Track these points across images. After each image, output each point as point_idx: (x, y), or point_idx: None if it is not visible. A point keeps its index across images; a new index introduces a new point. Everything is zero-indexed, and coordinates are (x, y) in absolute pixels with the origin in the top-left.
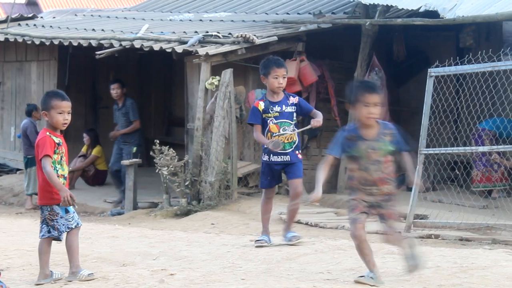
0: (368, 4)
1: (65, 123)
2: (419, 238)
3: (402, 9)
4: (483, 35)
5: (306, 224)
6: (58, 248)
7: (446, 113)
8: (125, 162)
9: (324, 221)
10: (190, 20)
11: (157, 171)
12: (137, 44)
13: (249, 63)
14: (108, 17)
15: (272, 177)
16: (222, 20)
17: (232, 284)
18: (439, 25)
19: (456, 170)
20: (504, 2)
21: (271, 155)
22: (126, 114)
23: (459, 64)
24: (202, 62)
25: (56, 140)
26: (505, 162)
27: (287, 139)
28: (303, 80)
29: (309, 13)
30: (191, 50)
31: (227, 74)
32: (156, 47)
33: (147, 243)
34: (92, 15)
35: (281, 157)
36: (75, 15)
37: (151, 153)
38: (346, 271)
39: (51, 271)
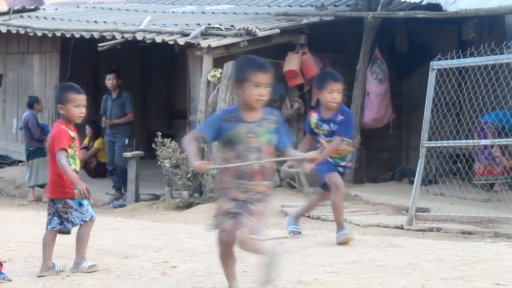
0: None
1: (81, 116)
2: (421, 231)
3: (405, 1)
4: (486, 28)
5: (308, 217)
6: (60, 241)
7: (448, 106)
8: (127, 154)
9: (326, 214)
10: (193, 12)
11: (159, 163)
12: (139, 36)
13: (251, 55)
14: (110, 9)
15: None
16: (224, 13)
17: None
18: (442, 18)
19: (458, 163)
20: None
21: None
22: (122, 105)
23: (462, 57)
24: (204, 54)
25: (71, 134)
26: (504, 161)
27: (339, 154)
28: (305, 72)
29: (312, 5)
30: (193, 43)
31: (229, 66)
32: (158, 39)
33: (149, 236)
34: (94, 7)
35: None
36: (78, 7)
37: (153, 145)
38: (348, 264)
39: (53, 263)
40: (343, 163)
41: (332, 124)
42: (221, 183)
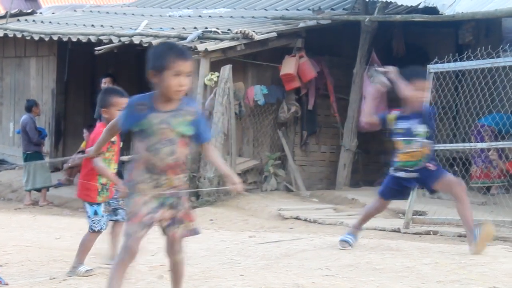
0: (367, 0)
1: None
2: (418, 234)
3: (402, 5)
4: (483, 31)
5: (305, 220)
6: (57, 245)
7: (445, 110)
8: (123, 158)
9: (323, 217)
10: (189, 16)
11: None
12: (136, 40)
13: (248, 59)
14: (107, 13)
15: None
16: (221, 16)
17: (231, 280)
18: (439, 22)
19: (455, 167)
20: None
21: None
22: None
23: (458, 60)
24: (201, 58)
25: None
26: (500, 164)
27: (411, 157)
28: (302, 76)
29: (309, 9)
30: (190, 46)
31: (226, 70)
32: (155, 43)
33: (145, 239)
34: (91, 11)
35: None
36: (74, 10)
37: None
38: (345, 267)
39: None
40: (415, 167)
41: (411, 122)
42: (131, 176)
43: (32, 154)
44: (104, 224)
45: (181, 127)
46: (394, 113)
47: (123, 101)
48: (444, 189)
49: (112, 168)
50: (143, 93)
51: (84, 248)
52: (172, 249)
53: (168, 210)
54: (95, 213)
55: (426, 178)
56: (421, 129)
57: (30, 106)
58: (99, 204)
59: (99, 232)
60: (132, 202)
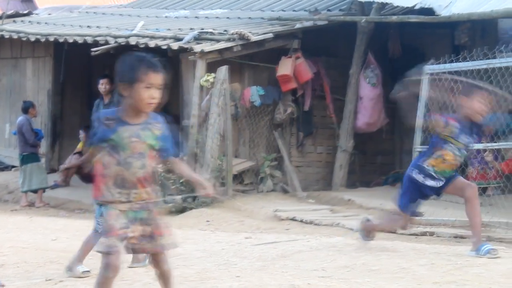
0: (363, 1)
1: None
2: (414, 235)
3: (398, 6)
4: (478, 32)
5: (301, 221)
6: (53, 246)
7: (441, 111)
8: None
9: (319, 218)
10: (186, 17)
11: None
12: (132, 41)
13: (245, 60)
14: (104, 14)
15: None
16: (217, 17)
17: (227, 281)
18: (435, 23)
19: None
20: (499, 0)
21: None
22: None
23: (454, 61)
24: (197, 59)
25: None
26: (496, 165)
27: (452, 167)
28: (298, 77)
29: (305, 10)
30: (187, 47)
31: (223, 71)
32: (152, 44)
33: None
34: (87, 12)
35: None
36: (71, 11)
37: None
38: (340, 269)
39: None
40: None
41: (475, 136)
42: (99, 191)
43: (29, 156)
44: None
45: (150, 140)
46: (454, 124)
47: None
48: (455, 193)
49: None
50: (112, 108)
51: (86, 247)
52: (155, 261)
53: (139, 226)
54: (101, 214)
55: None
56: (474, 142)
57: (27, 107)
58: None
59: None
60: (104, 217)
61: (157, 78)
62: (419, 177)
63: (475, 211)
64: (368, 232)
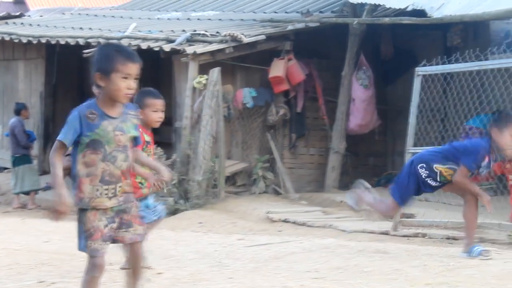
0: (355, 3)
1: (159, 121)
2: (406, 237)
3: (390, 8)
4: (471, 34)
5: (294, 223)
6: (44, 248)
7: (433, 112)
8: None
9: (312, 220)
10: (178, 19)
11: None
12: (124, 43)
13: (237, 61)
14: (96, 15)
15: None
16: (209, 19)
17: (220, 283)
18: (427, 24)
19: None
20: (491, 2)
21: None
22: None
23: (447, 63)
24: (190, 60)
25: (147, 138)
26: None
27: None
28: (290, 79)
29: (297, 12)
30: (179, 49)
31: (215, 73)
32: (144, 45)
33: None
34: (79, 14)
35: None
36: (63, 13)
37: None
38: (333, 270)
39: None
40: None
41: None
42: (82, 193)
43: (21, 157)
44: (161, 212)
45: (131, 131)
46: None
47: (158, 102)
48: (454, 191)
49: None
50: (90, 101)
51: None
52: (132, 253)
53: (119, 216)
54: (147, 206)
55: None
56: None
57: (19, 109)
58: (145, 197)
59: (157, 220)
60: (86, 218)
61: (134, 68)
62: (423, 173)
63: (474, 213)
64: (360, 201)
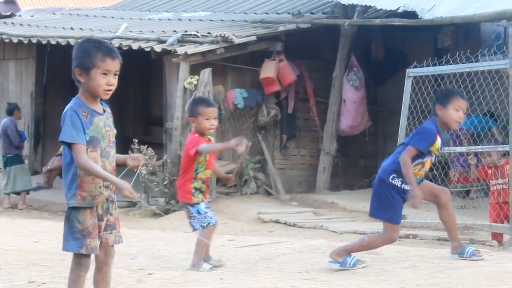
0: (347, 4)
1: (212, 129)
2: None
3: (381, 9)
4: (461, 36)
5: (285, 223)
6: (35, 248)
7: (424, 113)
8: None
9: (302, 221)
10: (169, 19)
11: (135, 170)
12: (115, 43)
13: (228, 62)
14: (87, 16)
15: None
16: (201, 20)
17: (210, 284)
18: (418, 26)
19: (434, 170)
20: (482, 3)
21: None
22: None
23: (437, 64)
24: (181, 61)
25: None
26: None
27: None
28: (282, 80)
29: (288, 13)
30: (170, 49)
31: (206, 73)
32: (135, 46)
33: (125, 243)
34: (70, 14)
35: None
36: (54, 13)
37: (129, 152)
38: (324, 271)
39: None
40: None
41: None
42: (84, 192)
43: (13, 158)
44: (211, 218)
45: (113, 127)
46: (439, 139)
47: (210, 110)
48: (426, 197)
49: (207, 174)
50: (76, 99)
51: (201, 245)
52: (106, 257)
53: (105, 217)
54: (198, 212)
55: None
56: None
57: (12, 110)
58: (198, 203)
59: (209, 226)
60: (85, 217)
61: (114, 64)
62: (398, 182)
63: (452, 216)
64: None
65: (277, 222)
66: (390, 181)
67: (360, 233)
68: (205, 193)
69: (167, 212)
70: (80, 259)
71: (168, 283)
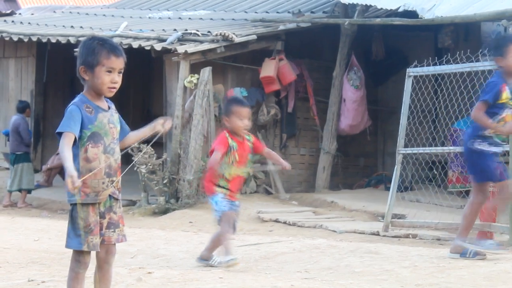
0: (347, 3)
1: (245, 128)
2: (397, 237)
3: (381, 8)
4: (462, 35)
5: (284, 223)
6: (35, 247)
7: (424, 113)
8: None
9: (302, 220)
10: (169, 18)
11: (135, 169)
12: (115, 42)
13: (228, 61)
14: (87, 14)
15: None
16: (201, 18)
17: (210, 283)
18: (418, 25)
19: (434, 170)
20: (483, 3)
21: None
22: None
23: (438, 64)
24: (181, 60)
25: (231, 143)
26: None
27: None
28: (282, 79)
29: (288, 12)
30: (170, 48)
31: (206, 72)
32: (135, 44)
33: (124, 242)
34: (70, 12)
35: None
36: (54, 11)
37: (129, 150)
38: (323, 270)
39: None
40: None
41: None
42: (88, 188)
43: (22, 155)
44: (225, 206)
45: (118, 124)
46: (507, 88)
47: (244, 110)
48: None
49: (235, 173)
50: (81, 96)
51: (212, 239)
52: (107, 256)
53: (108, 214)
54: (216, 202)
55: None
56: None
57: (24, 107)
58: (216, 194)
59: (224, 214)
60: (87, 214)
61: (118, 62)
62: (484, 146)
63: (475, 215)
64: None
65: (276, 221)
66: (475, 146)
67: (359, 233)
68: (232, 193)
69: (166, 211)
70: (79, 256)
71: (167, 282)
